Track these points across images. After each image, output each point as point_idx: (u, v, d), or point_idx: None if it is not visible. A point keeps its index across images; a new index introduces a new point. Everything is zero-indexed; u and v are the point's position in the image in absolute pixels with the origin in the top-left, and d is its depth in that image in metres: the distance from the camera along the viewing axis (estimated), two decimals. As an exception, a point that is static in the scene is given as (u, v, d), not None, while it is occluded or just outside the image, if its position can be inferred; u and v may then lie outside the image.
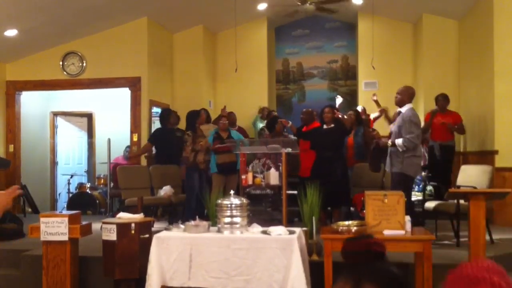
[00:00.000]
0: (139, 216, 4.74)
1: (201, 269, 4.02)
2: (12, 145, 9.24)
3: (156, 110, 9.27)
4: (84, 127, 11.18)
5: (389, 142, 5.60)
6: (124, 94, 9.25)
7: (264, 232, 4.12)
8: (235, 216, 4.15)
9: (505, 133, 7.23)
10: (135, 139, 8.85)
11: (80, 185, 9.75)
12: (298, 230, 4.26)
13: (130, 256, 4.44)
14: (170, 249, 4.08)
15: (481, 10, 8.03)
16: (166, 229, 4.41)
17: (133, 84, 8.88)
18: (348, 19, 10.99)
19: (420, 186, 7.34)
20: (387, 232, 4.07)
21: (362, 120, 7.73)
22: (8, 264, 5.45)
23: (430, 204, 6.16)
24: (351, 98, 11.01)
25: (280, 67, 11.63)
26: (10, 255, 5.48)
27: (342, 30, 11.39)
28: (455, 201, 5.54)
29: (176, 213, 7.42)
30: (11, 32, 8.05)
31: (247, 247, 3.98)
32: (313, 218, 5.08)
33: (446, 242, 5.78)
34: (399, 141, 5.50)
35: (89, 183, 10.01)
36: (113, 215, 6.25)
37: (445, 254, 5.10)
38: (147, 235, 4.50)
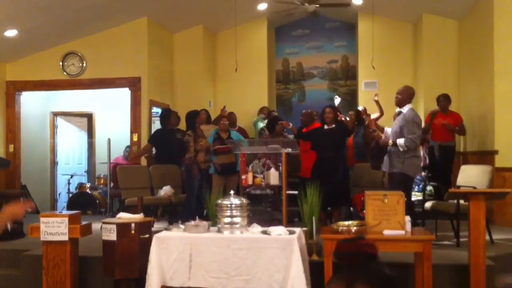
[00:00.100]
0: (139, 216, 4.74)
1: (201, 269, 4.02)
2: (12, 145, 9.24)
3: (156, 110, 9.27)
4: (84, 127, 11.18)
5: (390, 141, 5.58)
6: (124, 94, 9.25)
7: (264, 232, 4.12)
8: (235, 216, 4.15)
9: (505, 133, 7.23)
10: (135, 139, 8.85)
11: (80, 185, 9.76)
12: (298, 230, 4.26)
13: (130, 256, 4.44)
14: (170, 249, 4.08)
15: (481, 10, 8.03)
16: (166, 229, 4.41)
17: (133, 84, 8.88)
18: (348, 19, 10.99)
19: (420, 186, 7.34)
20: (387, 232, 4.06)
21: (362, 120, 7.73)
22: (8, 264, 5.45)
23: (430, 204, 6.16)
24: (351, 98, 11.02)
25: (280, 67, 11.63)
26: (10, 255, 5.47)
27: (342, 30, 11.39)
28: (455, 201, 5.54)
29: (176, 213, 7.41)
30: (11, 32, 8.05)
31: (247, 247, 3.98)
32: (313, 218, 5.08)
33: (446, 242, 5.77)
34: (400, 141, 5.49)
35: (89, 183, 10.01)
36: (113, 215, 6.25)
37: (445, 254, 5.10)
38: (147, 235, 4.50)
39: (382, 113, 8.23)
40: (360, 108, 8.43)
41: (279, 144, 5.95)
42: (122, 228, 4.45)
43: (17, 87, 9.27)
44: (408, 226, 4.15)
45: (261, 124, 9.40)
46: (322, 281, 4.02)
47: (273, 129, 7.73)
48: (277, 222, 5.25)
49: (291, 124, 7.71)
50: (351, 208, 6.89)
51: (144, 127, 8.87)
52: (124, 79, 8.92)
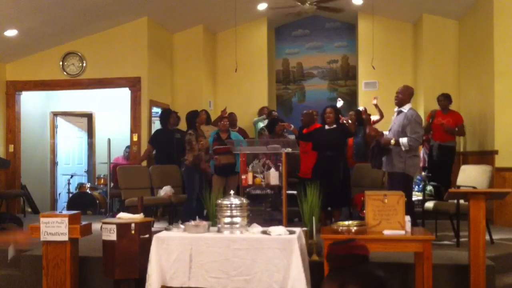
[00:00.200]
0: (139, 216, 4.74)
1: (201, 269, 4.02)
2: (12, 145, 9.24)
3: (156, 110, 9.27)
4: (84, 127, 11.18)
5: (392, 141, 5.56)
6: (124, 94, 9.25)
7: (264, 232, 4.12)
8: (235, 216, 4.15)
9: (505, 133, 7.23)
10: (135, 139, 8.85)
11: (80, 185, 9.75)
12: (298, 230, 4.26)
13: (130, 256, 4.44)
14: (170, 249, 4.08)
15: (481, 10, 8.03)
16: (166, 229, 4.41)
17: (133, 84, 8.88)
18: (348, 19, 10.99)
19: (420, 186, 7.34)
20: (387, 232, 4.07)
21: (362, 120, 7.73)
22: (8, 264, 5.45)
23: (430, 204, 6.15)
24: (351, 98, 11.02)
25: (280, 67, 11.63)
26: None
27: (342, 30, 11.39)
28: (455, 201, 5.54)
29: (176, 213, 7.42)
30: (11, 32, 8.05)
31: (247, 247, 3.98)
32: (313, 218, 5.08)
33: (446, 242, 5.77)
34: (404, 140, 5.48)
35: (89, 183, 10.01)
36: (113, 215, 6.25)
37: (445, 254, 5.10)
38: (147, 235, 4.50)
39: (382, 116, 8.22)
40: (360, 108, 8.43)
41: (279, 144, 5.95)
42: (122, 228, 4.45)
43: (17, 87, 9.27)
44: (408, 226, 4.15)
45: (261, 124, 9.40)
46: (322, 281, 4.02)
47: (273, 130, 7.72)
48: (277, 222, 5.26)
49: (292, 126, 7.70)
50: (350, 208, 6.89)
51: (144, 127, 8.87)
52: (124, 79, 8.92)
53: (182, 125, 8.20)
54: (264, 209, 7.12)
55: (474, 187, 5.34)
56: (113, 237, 4.43)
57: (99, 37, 8.99)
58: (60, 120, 10.87)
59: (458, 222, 5.61)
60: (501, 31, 7.34)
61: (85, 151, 11.21)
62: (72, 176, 10.10)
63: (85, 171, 11.02)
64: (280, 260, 3.90)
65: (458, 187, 5.89)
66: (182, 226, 4.30)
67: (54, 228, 4.50)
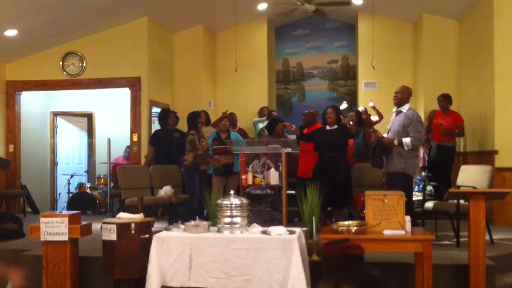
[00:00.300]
0: (139, 216, 4.74)
1: (201, 269, 4.02)
2: (12, 145, 9.24)
3: (156, 110, 9.27)
4: (84, 127, 11.19)
5: (395, 141, 5.55)
6: (124, 94, 9.25)
7: (264, 232, 4.12)
8: (235, 216, 4.15)
9: (505, 133, 7.23)
10: (135, 139, 8.85)
11: (80, 185, 9.76)
12: (298, 230, 4.26)
13: (130, 256, 4.44)
14: (170, 249, 4.08)
15: (481, 10, 8.03)
16: (166, 229, 4.41)
17: (133, 84, 8.88)
18: (348, 19, 10.99)
19: (420, 186, 7.34)
20: (387, 232, 4.07)
21: (362, 121, 7.72)
22: (8, 264, 5.45)
23: (430, 204, 6.15)
24: (351, 98, 11.02)
25: (280, 67, 11.64)
26: (10, 255, 5.47)
27: (342, 30, 11.39)
28: (455, 201, 5.54)
29: (176, 213, 7.42)
30: (11, 32, 8.05)
31: (247, 247, 3.98)
32: (313, 218, 5.08)
33: (446, 242, 5.78)
34: (407, 140, 5.47)
35: (89, 183, 10.02)
36: (113, 215, 6.25)
37: (445, 254, 5.10)
38: (147, 235, 4.50)
39: (381, 117, 8.22)
40: (360, 108, 8.43)
41: (279, 144, 5.95)
42: (122, 228, 4.45)
43: (17, 87, 9.27)
44: (408, 226, 4.15)
45: (261, 125, 9.40)
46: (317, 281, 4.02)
47: (273, 130, 7.72)
48: (277, 222, 5.26)
49: (294, 126, 7.70)
50: (350, 208, 6.89)
51: (144, 127, 8.87)
52: (124, 79, 8.92)
53: (181, 125, 8.20)
54: (264, 209, 7.12)
55: (474, 187, 5.34)
56: (113, 237, 4.43)
57: (99, 37, 9.00)
58: (60, 120, 10.87)
59: (458, 222, 5.61)
60: (501, 31, 7.35)
61: (85, 151, 11.21)
62: (72, 176, 10.10)
63: (85, 171, 11.02)
64: (280, 260, 3.90)
65: (458, 187, 5.90)
66: (182, 226, 4.30)
67: (54, 228, 4.50)
